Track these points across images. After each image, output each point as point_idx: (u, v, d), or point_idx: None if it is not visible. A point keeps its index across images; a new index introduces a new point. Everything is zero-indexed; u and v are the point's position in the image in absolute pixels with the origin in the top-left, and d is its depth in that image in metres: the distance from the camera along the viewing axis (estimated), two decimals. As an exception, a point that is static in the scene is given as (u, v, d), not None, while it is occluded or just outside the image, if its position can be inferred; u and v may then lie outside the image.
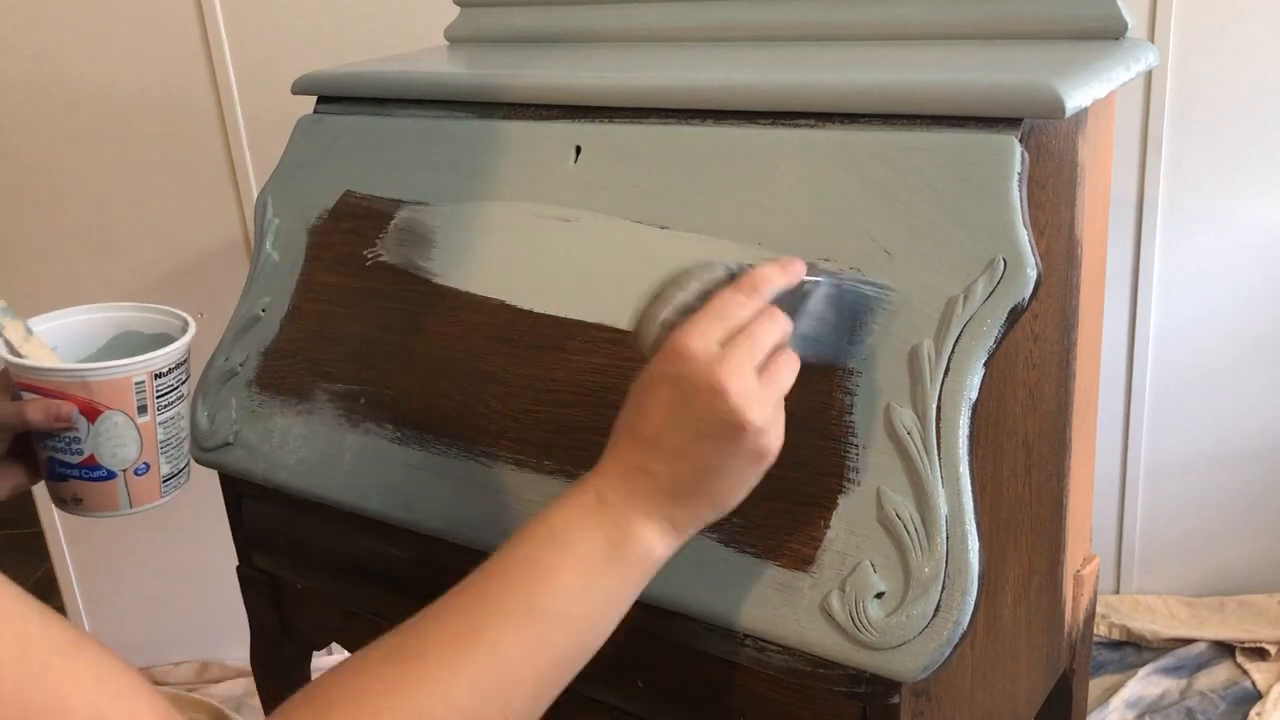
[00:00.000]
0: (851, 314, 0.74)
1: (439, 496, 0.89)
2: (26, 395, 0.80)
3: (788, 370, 0.65)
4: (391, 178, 1.01)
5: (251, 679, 1.20)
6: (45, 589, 2.02)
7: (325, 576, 1.05)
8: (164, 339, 0.86)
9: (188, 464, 0.87)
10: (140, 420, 0.81)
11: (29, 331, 0.82)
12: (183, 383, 0.84)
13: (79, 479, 0.81)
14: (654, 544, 0.63)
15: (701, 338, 0.62)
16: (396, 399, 0.94)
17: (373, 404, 0.95)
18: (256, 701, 1.20)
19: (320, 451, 0.96)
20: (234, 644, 1.75)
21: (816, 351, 0.72)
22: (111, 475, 0.82)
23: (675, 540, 0.64)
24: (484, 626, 0.59)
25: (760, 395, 0.62)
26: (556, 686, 0.61)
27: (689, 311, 0.65)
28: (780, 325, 0.65)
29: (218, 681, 1.75)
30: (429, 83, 1.03)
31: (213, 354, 1.05)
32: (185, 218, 1.58)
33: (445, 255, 0.96)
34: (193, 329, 0.86)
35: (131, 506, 0.83)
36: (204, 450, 1.02)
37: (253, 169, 1.54)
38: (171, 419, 0.84)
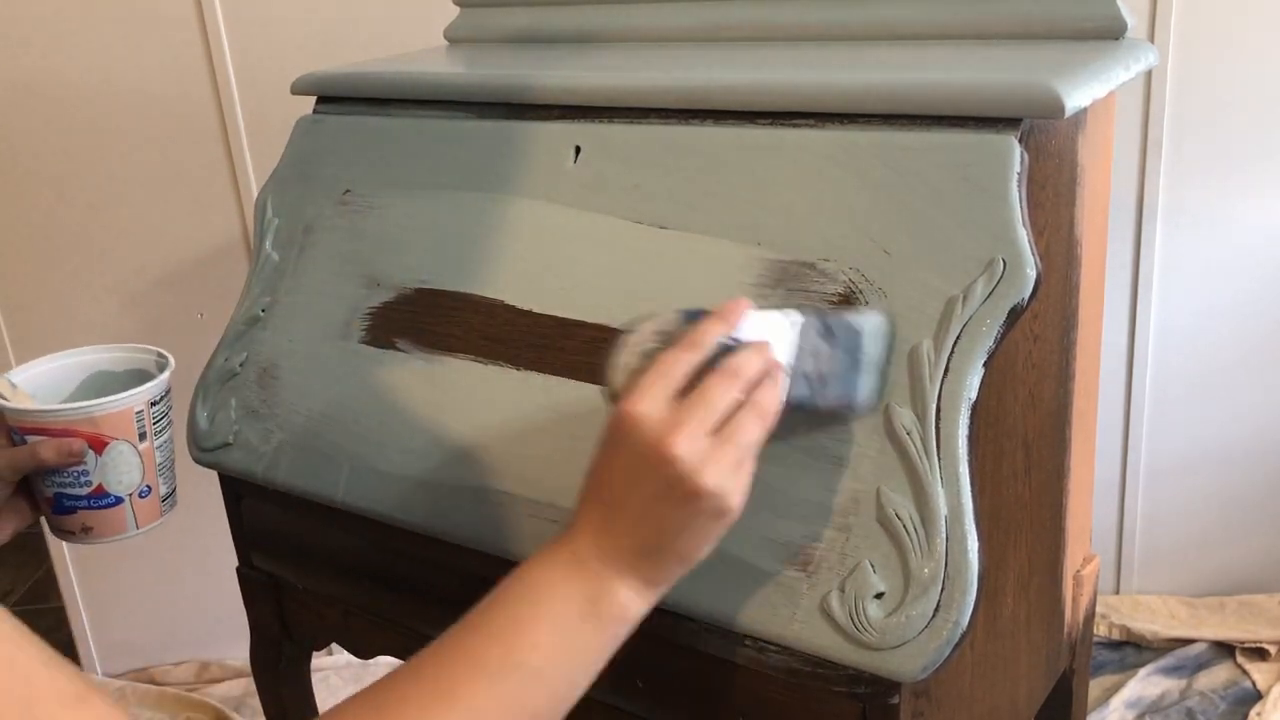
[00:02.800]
0: (852, 346, 0.70)
1: (439, 497, 0.89)
2: (31, 439, 0.85)
3: (750, 425, 0.63)
4: (391, 178, 1.01)
5: (251, 679, 1.20)
6: (45, 589, 2.02)
7: (325, 576, 1.05)
8: (136, 374, 0.93)
9: (176, 485, 0.94)
10: (141, 446, 0.89)
11: (13, 385, 0.90)
12: (170, 409, 0.92)
13: (88, 509, 0.88)
14: (628, 602, 0.63)
15: (648, 401, 0.62)
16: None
17: (373, 404, 0.95)
18: (256, 701, 1.20)
19: (320, 452, 0.96)
20: (234, 644, 1.75)
21: (820, 392, 0.70)
22: (119, 501, 0.88)
23: (648, 597, 0.64)
24: (461, 683, 0.60)
25: (714, 457, 0.61)
26: None
27: (651, 355, 0.65)
28: (736, 382, 0.63)
29: (218, 681, 1.75)
30: (429, 83, 1.03)
31: (213, 354, 1.05)
32: (185, 218, 1.58)
33: (445, 255, 0.96)
34: (173, 363, 0.93)
35: (138, 527, 0.90)
36: (204, 450, 1.02)
37: (253, 169, 1.54)
38: (165, 443, 0.92)
